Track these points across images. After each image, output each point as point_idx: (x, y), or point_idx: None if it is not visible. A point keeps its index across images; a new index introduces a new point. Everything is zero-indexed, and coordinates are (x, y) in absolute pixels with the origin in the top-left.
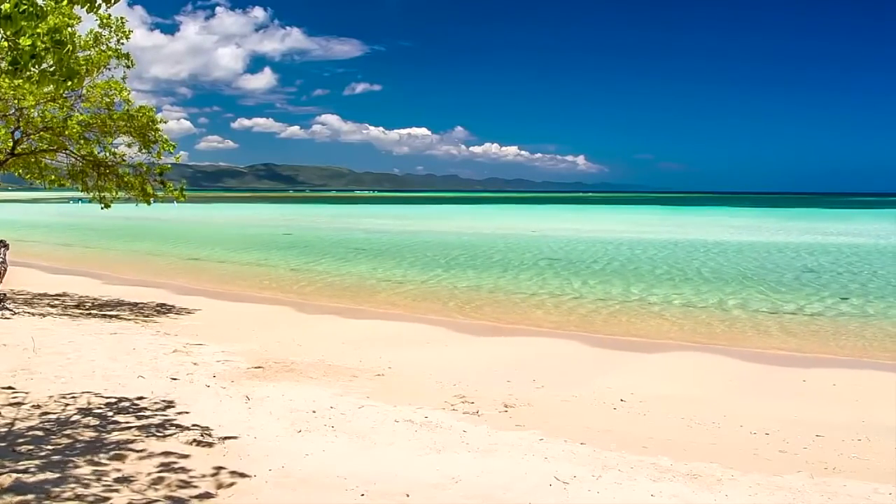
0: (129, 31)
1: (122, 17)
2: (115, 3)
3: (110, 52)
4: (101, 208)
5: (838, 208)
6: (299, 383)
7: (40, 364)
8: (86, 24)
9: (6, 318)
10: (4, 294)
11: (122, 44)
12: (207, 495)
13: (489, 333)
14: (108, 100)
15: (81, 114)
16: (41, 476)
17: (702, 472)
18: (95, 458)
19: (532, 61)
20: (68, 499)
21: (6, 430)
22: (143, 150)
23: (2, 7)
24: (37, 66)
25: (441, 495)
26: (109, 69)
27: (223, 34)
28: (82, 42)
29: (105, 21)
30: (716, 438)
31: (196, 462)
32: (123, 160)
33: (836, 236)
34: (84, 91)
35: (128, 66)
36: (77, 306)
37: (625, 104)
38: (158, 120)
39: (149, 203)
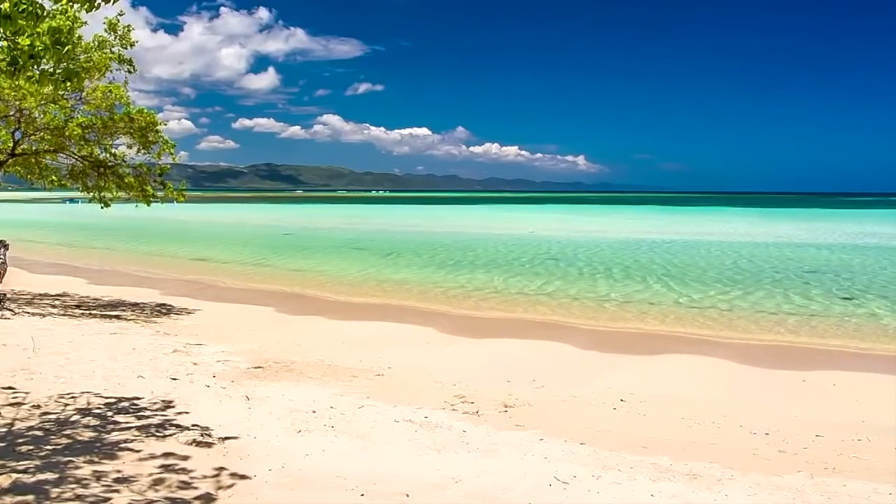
0: (135, 41)
1: (128, 25)
2: (115, 1)
3: (112, 57)
4: (101, 208)
5: (840, 208)
6: (299, 383)
7: (40, 364)
8: (94, 28)
9: (6, 318)
10: (4, 294)
11: (126, 49)
12: (207, 495)
13: (489, 334)
14: (108, 102)
15: (82, 116)
16: (41, 476)
17: (702, 472)
18: (95, 459)
19: (532, 61)
20: (68, 499)
21: (6, 430)
22: (143, 151)
23: (1, 7)
24: (36, 67)
25: (441, 495)
26: (111, 72)
27: (227, 34)
28: (84, 45)
29: (112, 25)
30: (716, 438)
31: (196, 462)
32: (124, 161)
33: (836, 236)
34: (84, 93)
35: (129, 72)
36: (77, 306)
37: (625, 104)
38: (159, 123)
39: (149, 204)
